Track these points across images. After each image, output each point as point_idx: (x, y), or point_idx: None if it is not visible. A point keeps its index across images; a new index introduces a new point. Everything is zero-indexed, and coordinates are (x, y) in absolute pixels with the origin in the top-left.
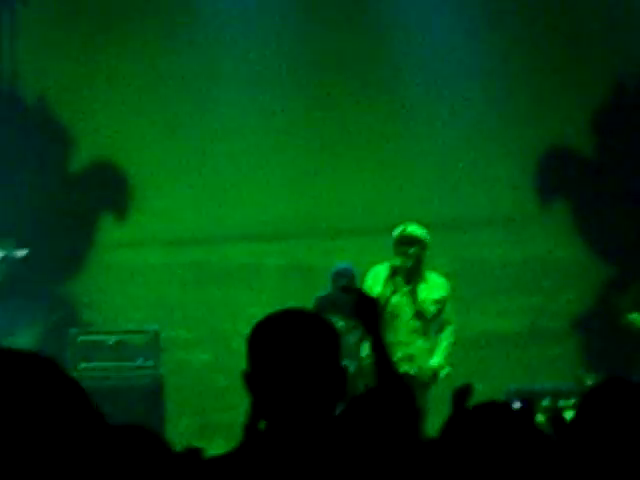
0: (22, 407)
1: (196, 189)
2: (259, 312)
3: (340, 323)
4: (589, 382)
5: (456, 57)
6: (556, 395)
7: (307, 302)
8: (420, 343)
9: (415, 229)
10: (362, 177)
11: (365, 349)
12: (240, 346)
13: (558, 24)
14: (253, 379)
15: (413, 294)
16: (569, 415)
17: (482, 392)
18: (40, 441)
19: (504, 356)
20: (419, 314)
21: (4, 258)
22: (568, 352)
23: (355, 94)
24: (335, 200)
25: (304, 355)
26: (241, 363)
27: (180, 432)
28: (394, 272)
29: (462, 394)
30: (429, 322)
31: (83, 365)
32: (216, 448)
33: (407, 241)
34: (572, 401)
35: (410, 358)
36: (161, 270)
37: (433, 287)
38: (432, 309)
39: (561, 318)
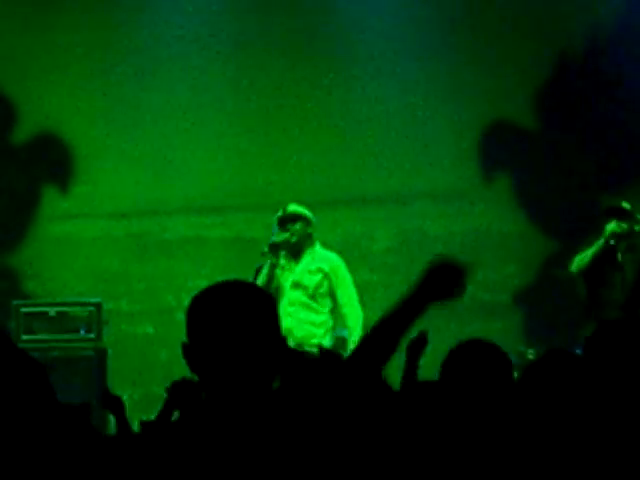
0: None
1: (138, 161)
2: (202, 285)
3: None
4: (530, 357)
5: (398, 31)
6: None
7: (249, 274)
8: (303, 315)
9: (296, 207)
10: (304, 150)
11: None
12: (183, 319)
13: None
14: (192, 351)
15: (294, 267)
16: None
17: (423, 366)
18: None
19: (445, 330)
20: (296, 284)
21: None
22: (509, 326)
23: (297, 68)
24: (277, 173)
25: (242, 326)
26: (183, 336)
27: None
28: (276, 248)
29: (417, 343)
30: (313, 295)
31: (25, 337)
32: None
33: (290, 218)
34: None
35: (289, 331)
36: (103, 242)
37: (315, 259)
38: (310, 279)
39: (502, 292)
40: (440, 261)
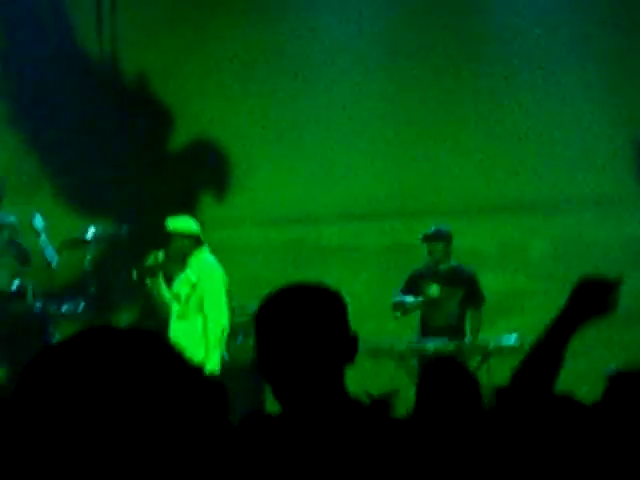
0: (146, 382)
1: (295, 169)
2: (358, 291)
3: (435, 289)
4: None
5: (555, 38)
6: None
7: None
8: (177, 326)
9: (173, 222)
10: (459, 157)
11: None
12: None
13: None
14: (260, 355)
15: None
16: None
17: (583, 373)
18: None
19: (603, 337)
20: (175, 295)
21: (101, 237)
22: None
23: (454, 74)
24: (432, 180)
25: (307, 328)
26: None
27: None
28: (147, 270)
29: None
30: (186, 304)
31: None
32: None
33: (170, 235)
34: None
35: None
36: (260, 249)
37: (190, 268)
38: (180, 288)
39: None
40: (589, 279)
